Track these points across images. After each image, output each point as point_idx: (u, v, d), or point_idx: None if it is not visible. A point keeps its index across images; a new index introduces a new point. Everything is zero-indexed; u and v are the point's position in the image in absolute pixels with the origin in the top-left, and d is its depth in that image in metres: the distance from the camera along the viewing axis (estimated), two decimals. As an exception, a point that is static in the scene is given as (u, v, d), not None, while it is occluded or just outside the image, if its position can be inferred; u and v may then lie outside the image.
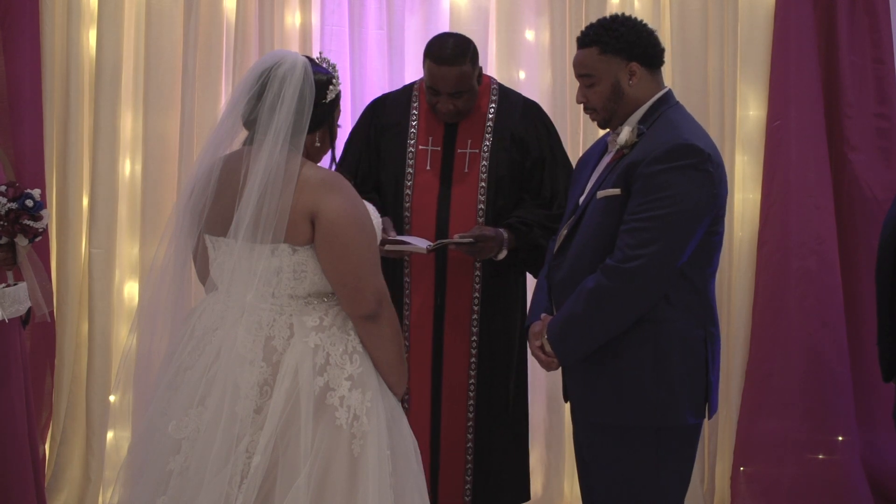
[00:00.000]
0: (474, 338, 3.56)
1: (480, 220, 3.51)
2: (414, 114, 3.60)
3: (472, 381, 3.56)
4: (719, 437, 4.25)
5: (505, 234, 3.46)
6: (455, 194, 3.53)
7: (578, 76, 2.89)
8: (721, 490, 4.24)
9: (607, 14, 2.97)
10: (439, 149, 3.56)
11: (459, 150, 3.55)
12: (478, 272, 3.55)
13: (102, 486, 4.15)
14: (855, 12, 4.16)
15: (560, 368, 2.93)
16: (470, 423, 3.57)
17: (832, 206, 4.13)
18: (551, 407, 4.27)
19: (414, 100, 3.63)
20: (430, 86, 3.49)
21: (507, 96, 3.65)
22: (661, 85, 2.89)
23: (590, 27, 2.89)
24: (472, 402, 3.57)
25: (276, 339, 2.49)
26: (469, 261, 3.52)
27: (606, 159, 2.91)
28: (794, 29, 4.12)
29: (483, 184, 3.52)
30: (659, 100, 2.85)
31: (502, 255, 3.47)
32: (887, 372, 3.14)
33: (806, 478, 4.09)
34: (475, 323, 3.55)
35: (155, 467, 2.49)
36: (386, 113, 3.63)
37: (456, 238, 3.41)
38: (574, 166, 4.09)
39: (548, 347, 2.85)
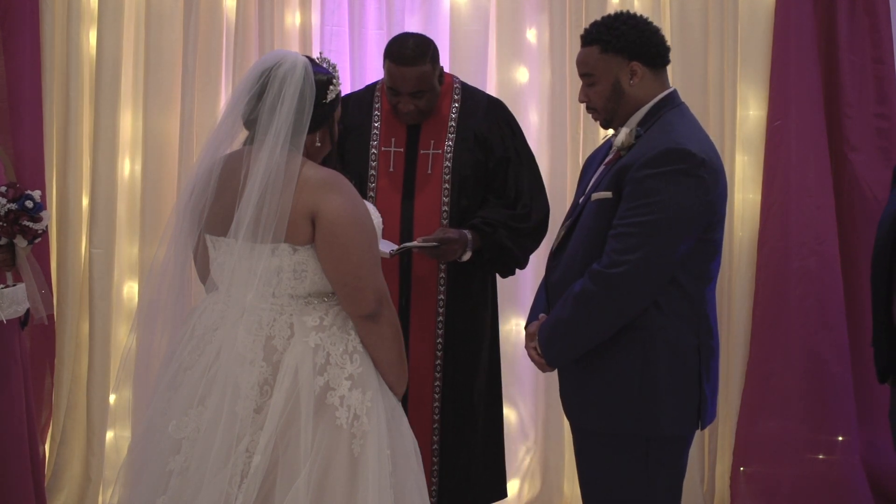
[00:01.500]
0: (439, 340, 3.54)
1: (444, 221, 3.48)
2: (376, 115, 3.57)
3: (437, 382, 3.55)
4: (719, 438, 4.25)
5: (469, 235, 3.43)
6: (419, 196, 3.50)
7: (580, 75, 2.85)
8: (721, 490, 4.24)
9: (608, 13, 2.95)
10: (402, 150, 3.53)
11: (422, 152, 3.52)
12: (442, 274, 3.52)
13: (102, 486, 4.15)
14: (855, 12, 4.16)
15: (557, 370, 2.91)
16: (436, 425, 3.56)
17: (832, 206, 4.13)
18: (551, 406, 4.27)
19: (376, 101, 3.60)
20: (390, 86, 3.45)
21: (471, 95, 3.61)
22: (665, 85, 2.82)
23: (592, 25, 2.84)
24: (437, 403, 3.55)
25: (277, 339, 2.49)
26: (433, 262, 3.49)
27: (607, 161, 2.87)
28: (794, 29, 4.12)
29: (447, 185, 3.50)
30: (661, 100, 2.79)
31: (466, 256, 3.45)
32: (882, 373, 3.14)
33: (806, 478, 4.08)
34: (440, 325, 3.53)
35: (155, 467, 2.49)
36: (349, 114, 3.57)
37: (419, 242, 3.38)
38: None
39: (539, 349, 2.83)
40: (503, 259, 3.54)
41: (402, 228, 3.48)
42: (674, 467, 2.80)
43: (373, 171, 3.52)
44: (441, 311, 3.53)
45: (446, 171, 3.50)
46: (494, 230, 3.47)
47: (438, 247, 3.37)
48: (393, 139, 3.53)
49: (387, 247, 3.33)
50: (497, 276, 3.69)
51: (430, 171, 3.50)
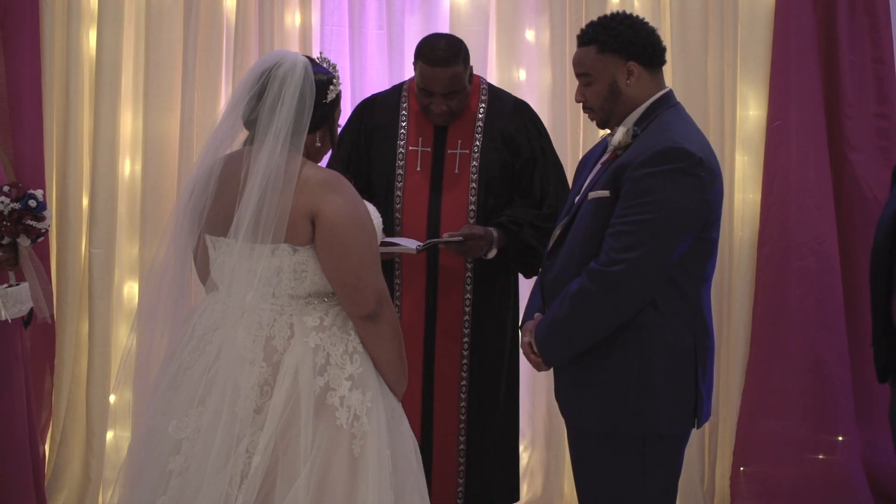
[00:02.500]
0: (466, 339, 3.55)
1: (471, 220, 3.50)
2: (403, 115, 3.58)
3: (463, 382, 3.56)
4: (719, 437, 4.25)
5: (494, 232, 3.45)
6: (446, 195, 3.52)
7: (577, 75, 2.86)
8: (721, 490, 4.24)
9: (607, 13, 2.95)
10: (429, 150, 3.54)
11: (450, 151, 3.54)
12: (469, 273, 3.54)
13: (102, 486, 4.15)
14: (855, 12, 4.16)
15: (552, 369, 2.91)
16: (462, 425, 3.57)
17: (832, 206, 4.13)
18: (551, 407, 4.26)
19: (403, 101, 3.61)
20: (422, 87, 3.46)
21: (498, 97, 3.63)
22: (661, 85, 2.84)
23: (589, 25, 2.86)
24: (463, 403, 3.57)
25: (277, 339, 2.49)
26: (460, 261, 3.51)
27: (603, 160, 2.88)
28: (794, 29, 4.12)
29: (474, 184, 3.52)
30: (657, 100, 2.80)
31: (492, 254, 3.46)
32: (882, 373, 3.14)
33: (806, 478, 4.09)
34: (466, 324, 3.55)
35: (155, 467, 2.49)
36: (375, 114, 3.61)
37: (445, 237, 3.40)
38: (567, 166, 4.11)
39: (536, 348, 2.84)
40: (528, 258, 3.55)
41: (430, 227, 3.50)
42: (670, 467, 2.81)
43: (400, 171, 3.53)
44: (468, 310, 3.54)
45: (473, 170, 3.51)
46: (520, 228, 3.49)
47: (464, 242, 3.39)
48: (421, 139, 3.55)
49: (412, 243, 3.34)
50: (520, 277, 3.70)
51: (457, 171, 3.52)
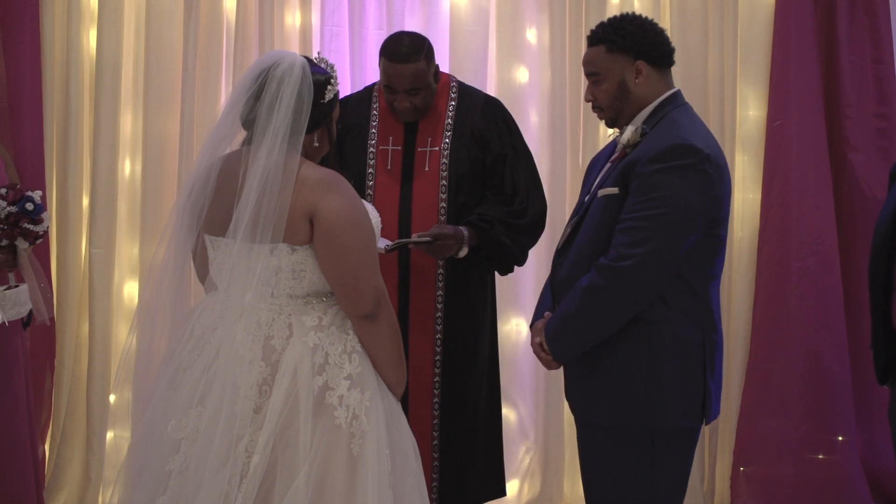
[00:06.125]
0: (438, 336, 3.54)
1: (442, 217, 3.49)
2: (374, 115, 3.58)
3: (436, 378, 3.55)
4: (719, 437, 4.25)
5: (465, 231, 3.44)
6: (416, 192, 3.51)
7: (586, 74, 2.91)
8: (721, 490, 4.24)
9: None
10: (399, 148, 3.54)
11: (420, 149, 3.53)
12: (441, 270, 3.53)
13: (102, 486, 4.15)
14: (855, 12, 4.16)
15: (562, 367, 2.92)
16: (436, 421, 3.56)
17: (832, 206, 4.13)
18: (551, 406, 4.27)
19: (374, 101, 3.62)
20: (385, 84, 3.47)
21: (468, 94, 3.63)
22: (669, 85, 2.88)
23: (599, 26, 2.90)
24: (437, 399, 3.55)
25: (275, 339, 2.49)
26: (432, 259, 3.50)
27: (613, 158, 2.91)
28: (794, 29, 4.12)
29: (444, 181, 3.51)
30: (665, 99, 2.84)
31: (463, 252, 3.46)
32: (881, 374, 3.14)
33: (806, 478, 4.09)
34: (439, 321, 3.54)
35: (154, 467, 2.49)
36: (347, 115, 3.58)
37: (414, 238, 3.39)
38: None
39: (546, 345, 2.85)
40: (501, 255, 3.55)
41: (401, 225, 3.49)
42: (678, 463, 2.83)
43: (371, 170, 3.53)
44: (440, 306, 3.53)
45: (443, 167, 3.51)
46: (491, 226, 3.47)
47: (433, 242, 3.37)
48: (391, 137, 3.55)
49: (382, 242, 3.34)
50: (496, 274, 3.70)
51: (427, 168, 3.51)
